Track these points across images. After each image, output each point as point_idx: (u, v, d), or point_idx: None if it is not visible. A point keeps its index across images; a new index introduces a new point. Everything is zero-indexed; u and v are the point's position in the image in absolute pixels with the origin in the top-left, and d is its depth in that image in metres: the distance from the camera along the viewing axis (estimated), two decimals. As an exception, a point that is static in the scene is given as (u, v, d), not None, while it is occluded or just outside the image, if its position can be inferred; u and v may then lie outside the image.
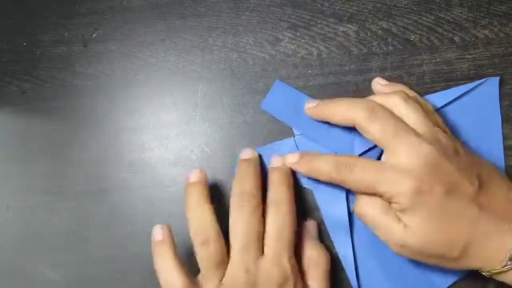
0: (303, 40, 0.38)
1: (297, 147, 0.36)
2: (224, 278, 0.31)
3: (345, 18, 0.38)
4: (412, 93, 0.34)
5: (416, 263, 0.34)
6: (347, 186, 0.32)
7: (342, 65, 0.38)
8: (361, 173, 0.30)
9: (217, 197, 0.37)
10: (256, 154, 0.35)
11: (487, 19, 0.37)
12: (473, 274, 0.33)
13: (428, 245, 0.29)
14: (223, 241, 0.32)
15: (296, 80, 0.38)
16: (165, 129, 0.38)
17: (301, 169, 0.34)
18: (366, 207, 0.32)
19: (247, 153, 0.35)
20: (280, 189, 0.33)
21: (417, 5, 0.38)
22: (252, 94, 0.38)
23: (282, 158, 0.35)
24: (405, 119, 0.31)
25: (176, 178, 0.38)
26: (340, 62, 0.38)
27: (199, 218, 0.32)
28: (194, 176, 0.34)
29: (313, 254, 0.33)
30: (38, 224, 0.38)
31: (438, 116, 0.33)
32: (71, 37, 0.40)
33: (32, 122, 0.39)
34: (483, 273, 0.30)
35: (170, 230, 0.33)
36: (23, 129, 0.39)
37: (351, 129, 0.33)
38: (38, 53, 0.40)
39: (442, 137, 0.30)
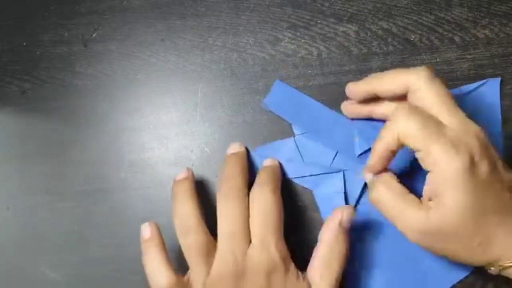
0: (303, 40, 0.38)
1: (297, 147, 0.36)
2: (212, 269, 0.31)
3: (345, 18, 0.38)
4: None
5: (414, 264, 0.34)
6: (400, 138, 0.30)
7: (342, 65, 0.38)
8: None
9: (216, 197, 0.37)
10: (243, 148, 0.36)
11: (487, 19, 0.37)
12: (471, 276, 0.33)
13: (455, 227, 0.28)
14: (206, 232, 0.32)
15: (296, 80, 0.38)
16: (165, 129, 0.38)
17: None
18: (382, 192, 0.31)
19: (235, 147, 0.36)
20: (265, 175, 0.33)
21: (417, 5, 0.38)
22: (252, 94, 0.38)
23: (274, 160, 0.36)
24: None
25: (176, 178, 0.38)
26: (340, 62, 0.38)
27: (182, 213, 0.32)
28: (181, 175, 0.34)
29: (325, 254, 0.32)
30: (38, 224, 0.38)
31: None
32: (71, 37, 0.40)
33: (32, 122, 0.39)
34: (491, 270, 0.30)
35: (158, 228, 0.33)
36: (23, 129, 0.39)
37: (352, 128, 0.33)
38: (38, 53, 0.40)
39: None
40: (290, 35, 0.38)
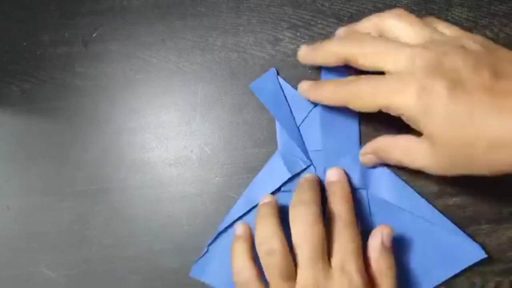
0: (303, 40, 0.38)
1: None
2: None
3: (345, 18, 0.38)
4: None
5: (407, 260, 0.34)
6: (351, 106, 0.31)
7: (342, 65, 0.38)
8: (364, 84, 0.30)
9: (217, 197, 0.37)
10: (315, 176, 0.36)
11: (487, 19, 0.37)
12: (471, 276, 0.33)
13: (451, 149, 0.28)
14: (289, 253, 0.31)
15: (296, 80, 0.38)
16: (165, 129, 0.38)
17: (309, 95, 0.34)
18: (378, 140, 0.32)
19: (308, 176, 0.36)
20: (340, 202, 0.33)
21: (417, 5, 0.38)
22: (252, 94, 0.38)
23: (341, 171, 0.35)
24: (399, 37, 0.31)
25: (176, 178, 0.38)
26: (340, 62, 0.38)
27: (266, 228, 0.32)
28: (265, 199, 0.35)
29: (382, 265, 0.32)
30: (38, 224, 0.38)
31: (448, 25, 0.32)
32: (71, 37, 0.40)
33: (32, 122, 0.39)
34: None
35: (249, 228, 0.34)
36: (23, 129, 0.39)
37: (322, 123, 0.35)
38: (38, 53, 0.40)
39: (439, 37, 0.30)
40: (290, 35, 0.38)
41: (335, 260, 0.31)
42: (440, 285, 0.35)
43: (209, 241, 0.36)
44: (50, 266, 0.37)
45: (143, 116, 0.39)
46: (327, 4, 0.39)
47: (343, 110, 0.35)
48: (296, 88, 0.37)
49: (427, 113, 0.28)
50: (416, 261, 0.35)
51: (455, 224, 0.35)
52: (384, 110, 0.30)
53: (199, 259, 0.36)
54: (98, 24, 0.40)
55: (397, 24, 0.31)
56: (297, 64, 0.38)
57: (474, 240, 0.35)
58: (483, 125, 0.27)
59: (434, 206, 0.36)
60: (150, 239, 0.37)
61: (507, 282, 0.35)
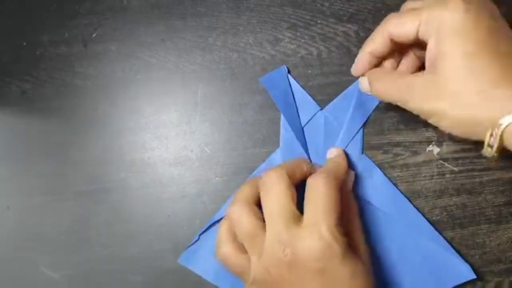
0: (303, 40, 0.38)
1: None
2: (263, 254, 0.30)
3: (345, 18, 0.38)
4: None
5: (397, 271, 0.34)
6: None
7: (342, 65, 0.38)
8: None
9: (217, 197, 0.37)
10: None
11: (487, 19, 0.37)
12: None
13: (452, 74, 0.28)
14: (254, 215, 0.31)
15: (296, 80, 0.38)
16: (165, 129, 0.38)
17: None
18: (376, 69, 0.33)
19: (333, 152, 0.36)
20: (326, 167, 0.33)
21: (417, 5, 0.38)
22: (252, 94, 0.38)
23: (338, 149, 0.35)
24: None
25: (176, 178, 0.38)
26: (340, 62, 0.38)
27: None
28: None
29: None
30: (38, 224, 0.38)
31: None
32: (71, 37, 0.40)
33: (32, 122, 0.39)
34: (491, 140, 0.28)
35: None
36: (23, 129, 0.39)
37: (327, 128, 0.36)
38: (38, 53, 0.40)
39: None
40: (290, 35, 0.38)
41: (305, 216, 0.30)
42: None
43: (201, 231, 0.36)
44: (50, 266, 0.37)
45: (143, 116, 0.39)
46: (327, 4, 0.39)
47: (349, 117, 0.35)
48: (304, 88, 0.37)
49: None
50: (406, 273, 0.35)
51: (455, 224, 0.36)
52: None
53: (188, 247, 0.36)
54: (98, 24, 0.40)
55: None
56: (297, 64, 0.38)
57: (474, 241, 0.35)
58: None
59: (434, 206, 0.36)
60: (150, 239, 0.37)
61: (507, 282, 0.35)
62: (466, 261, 0.34)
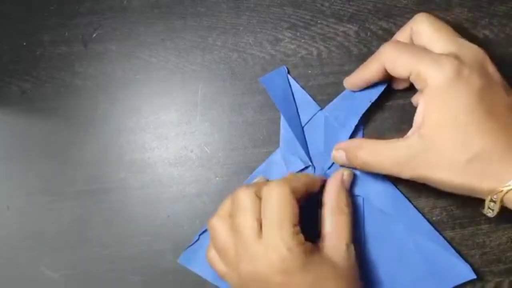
0: (303, 40, 0.38)
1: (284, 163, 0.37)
2: (236, 268, 0.30)
3: (345, 18, 0.38)
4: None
5: (397, 271, 0.34)
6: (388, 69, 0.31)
7: (342, 65, 0.38)
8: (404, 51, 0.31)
9: (216, 197, 0.37)
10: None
11: (487, 19, 0.37)
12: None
13: (439, 140, 0.28)
14: (229, 229, 0.31)
15: (296, 80, 0.38)
16: (165, 129, 0.38)
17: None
18: (352, 140, 0.34)
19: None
20: (291, 176, 0.33)
21: (417, 5, 0.38)
22: (252, 94, 0.38)
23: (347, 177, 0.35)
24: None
25: (176, 178, 0.38)
26: (340, 62, 0.38)
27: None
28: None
29: (339, 202, 0.32)
30: (38, 224, 0.38)
31: None
32: (71, 37, 0.40)
33: (32, 122, 0.39)
34: (491, 204, 0.28)
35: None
36: (23, 129, 0.39)
37: (327, 128, 0.36)
38: (38, 53, 0.40)
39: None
40: (290, 35, 0.38)
41: (262, 230, 0.29)
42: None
43: (201, 231, 0.36)
44: (50, 266, 0.37)
45: (143, 116, 0.39)
46: (327, 4, 0.39)
47: (348, 116, 0.35)
48: (304, 88, 0.37)
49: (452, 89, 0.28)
50: (405, 273, 0.34)
51: (455, 224, 0.36)
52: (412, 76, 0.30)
53: (188, 247, 0.36)
54: (98, 24, 0.40)
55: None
56: (297, 64, 0.38)
57: (474, 241, 0.35)
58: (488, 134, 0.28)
59: (434, 206, 0.36)
60: (150, 239, 0.37)
61: (507, 282, 0.35)
62: (466, 261, 0.34)
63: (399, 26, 0.38)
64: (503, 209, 0.29)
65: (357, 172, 0.36)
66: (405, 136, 0.30)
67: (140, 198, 0.38)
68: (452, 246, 0.35)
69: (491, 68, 0.29)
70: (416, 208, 0.35)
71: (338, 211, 0.32)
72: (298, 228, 0.29)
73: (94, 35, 0.40)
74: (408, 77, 0.30)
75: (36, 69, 0.40)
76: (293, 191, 0.30)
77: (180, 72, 0.39)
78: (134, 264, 0.37)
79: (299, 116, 0.37)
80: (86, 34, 0.40)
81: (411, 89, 0.34)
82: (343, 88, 0.37)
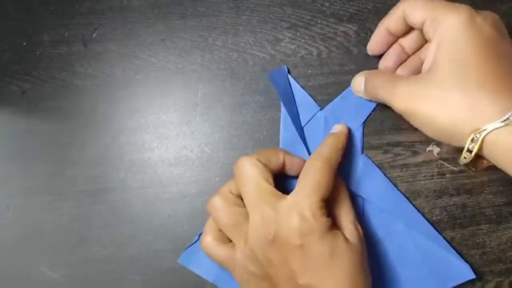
0: (303, 40, 0.38)
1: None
2: (248, 238, 0.31)
3: (345, 18, 0.38)
4: None
5: (397, 270, 0.34)
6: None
7: (342, 65, 0.38)
8: None
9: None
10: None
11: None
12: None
13: (446, 79, 0.28)
14: (234, 204, 0.32)
15: (296, 80, 0.38)
16: (165, 129, 0.38)
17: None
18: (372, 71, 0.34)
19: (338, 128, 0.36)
20: (323, 146, 0.33)
21: (417, 5, 0.38)
22: (252, 94, 0.38)
23: (342, 126, 0.36)
24: None
25: (176, 178, 0.38)
26: (340, 62, 0.38)
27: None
28: None
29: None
30: (38, 224, 0.38)
31: None
32: (71, 37, 0.40)
33: (32, 122, 0.39)
34: (470, 146, 0.28)
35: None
36: (23, 129, 0.39)
37: (327, 128, 0.36)
38: (38, 53, 0.40)
39: None
40: (290, 35, 0.38)
41: (292, 195, 0.31)
42: None
43: (201, 231, 0.36)
44: (50, 266, 0.37)
45: (143, 116, 0.39)
46: (327, 4, 0.39)
47: (349, 117, 0.35)
48: (304, 88, 0.37)
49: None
50: (405, 273, 0.35)
51: (455, 224, 0.36)
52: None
53: (188, 247, 0.36)
54: (98, 24, 0.40)
55: None
56: (297, 64, 0.38)
57: (474, 241, 0.35)
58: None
59: (434, 206, 0.36)
60: (150, 239, 0.37)
61: (507, 282, 0.35)
62: (466, 261, 0.34)
63: (399, 26, 0.38)
64: (477, 163, 0.29)
65: (358, 173, 0.36)
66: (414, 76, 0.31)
67: (140, 198, 0.38)
68: (452, 246, 0.35)
69: (503, 29, 0.30)
70: (416, 208, 0.35)
71: (341, 191, 0.33)
72: (324, 202, 0.30)
73: (94, 35, 0.40)
74: (421, 27, 0.31)
75: (36, 69, 0.40)
76: (331, 169, 0.31)
77: (180, 72, 0.39)
78: (134, 264, 0.37)
79: (299, 116, 0.37)
80: (86, 34, 0.40)
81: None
82: (343, 88, 0.37)
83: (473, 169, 0.30)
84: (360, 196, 0.35)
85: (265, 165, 0.32)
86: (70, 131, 0.39)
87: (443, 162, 0.36)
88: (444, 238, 0.35)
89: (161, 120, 0.38)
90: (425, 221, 0.35)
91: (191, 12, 0.39)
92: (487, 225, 0.36)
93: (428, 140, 0.36)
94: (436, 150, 0.36)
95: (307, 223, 0.29)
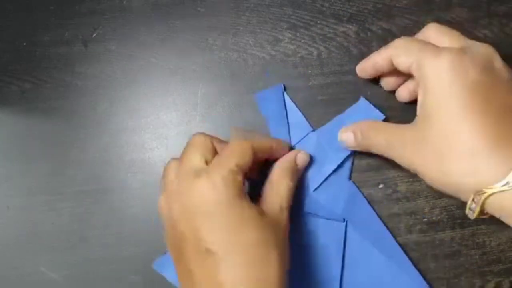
0: (303, 40, 0.38)
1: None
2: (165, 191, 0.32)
3: (345, 18, 0.38)
4: None
5: (397, 278, 0.35)
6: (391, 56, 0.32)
7: (342, 65, 0.38)
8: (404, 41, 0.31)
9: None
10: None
11: (487, 19, 0.37)
12: (471, 276, 0.33)
13: (435, 127, 0.28)
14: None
15: (296, 80, 0.38)
16: (165, 129, 0.38)
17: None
18: (363, 122, 0.34)
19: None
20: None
21: (417, 5, 0.38)
22: (252, 94, 0.38)
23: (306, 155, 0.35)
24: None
25: (176, 178, 0.38)
26: (340, 62, 0.38)
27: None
28: None
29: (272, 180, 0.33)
30: (38, 224, 0.38)
31: None
32: (71, 37, 0.40)
33: (32, 122, 0.39)
34: (474, 202, 0.27)
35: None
36: (23, 129, 0.39)
37: (317, 150, 0.36)
38: (38, 53, 0.40)
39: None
40: (290, 35, 0.38)
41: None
42: (438, 284, 0.35)
43: None
44: (50, 266, 0.37)
45: (143, 116, 0.39)
46: (327, 5, 0.39)
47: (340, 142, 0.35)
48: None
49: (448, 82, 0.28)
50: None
51: (455, 224, 0.36)
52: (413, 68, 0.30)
53: (164, 254, 0.36)
54: (98, 24, 0.40)
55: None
56: (297, 64, 0.38)
57: (474, 241, 0.35)
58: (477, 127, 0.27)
59: (434, 206, 0.36)
60: (150, 239, 0.37)
61: (507, 282, 0.35)
62: (466, 261, 0.34)
63: (399, 26, 0.38)
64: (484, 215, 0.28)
65: (344, 197, 0.36)
66: (412, 123, 0.31)
67: (140, 198, 0.38)
68: (452, 246, 0.35)
69: (498, 64, 0.29)
70: (397, 242, 0.35)
71: (282, 176, 0.33)
72: (242, 177, 0.30)
73: (94, 35, 0.40)
74: (409, 70, 0.30)
75: (36, 69, 0.40)
76: (255, 149, 0.31)
77: (180, 72, 0.39)
78: (134, 264, 0.37)
79: (290, 135, 0.37)
80: (86, 34, 0.40)
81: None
82: (343, 88, 0.37)
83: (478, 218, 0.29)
84: (343, 222, 0.35)
85: (211, 143, 0.32)
86: (70, 131, 0.39)
87: (443, 162, 0.36)
88: (422, 272, 0.35)
89: (161, 120, 0.38)
90: (403, 254, 0.35)
91: (191, 12, 0.39)
92: (487, 225, 0.36)
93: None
94: (436, 150, 0.36)
95: (214, 189, 0.29)
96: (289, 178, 0.33)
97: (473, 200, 0.27)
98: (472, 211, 0.28)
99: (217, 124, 0.38)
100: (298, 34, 0.38)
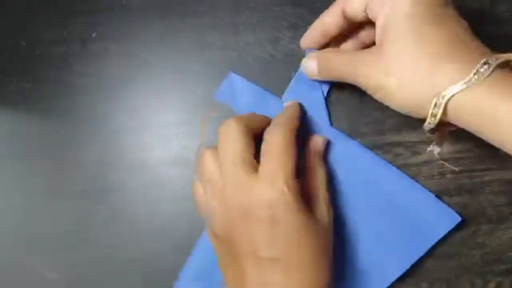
0: (303, 40, 0.38)
1: None
2: (224, 199, 0.30)
3: (346, 17, 0.38)
4: None
5: (382, 236, 0.34)
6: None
7: (342, 65, 0.38)
8: None
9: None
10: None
11: (487, 19, 0.37)
12: (471, 276, 0.33)
13: (400, 49, 0.28)
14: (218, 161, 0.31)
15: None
16: (165, 129, 0.38)
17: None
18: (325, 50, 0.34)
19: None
20: (281, 117, 0.33)
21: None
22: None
23: (295, 102, 0.36)
24: None
25: (176, 178, 0.38)
26: (340, 62, 0.38)
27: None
28: None
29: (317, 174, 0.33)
30: (38, 224, 0.38)
31: None
32: (70, 36, 0.40)
33: (32, 121, 0.39)
34: (433, 110, 0.28)
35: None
36: (22, 128, 0.39)
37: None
38: (37, 53, 0.40)
39: None
40: (290, 34, 0.38)
41: (262, 167, 0.30)
42: (438, 284, 0.35)
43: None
44: (50, 266, 0.37)
45: (142, 116, 0.38)
46: (327, 4, 0.38)
47: (309, 96, 0.35)
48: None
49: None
50: (392, 236, 0.34)
51: (455, 226, 0.36)
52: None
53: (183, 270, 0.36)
54: (97, 23, 0.40)
55: None
56: (297, 64, 0.38)
57: (474, 241, 0.35)
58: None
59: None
60: (150, 239, 0.37)
61: (507, 282, 0.35)
62: (465, 258, 0.34)
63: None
64: (442, 128, 0.29)
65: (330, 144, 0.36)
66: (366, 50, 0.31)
67: (140, 198, 0.38)
68: (452, 244, 0.35)
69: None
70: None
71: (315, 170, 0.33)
72: (295, 173, 0.30)
73: (93, 34, 0.39)
74: (366, 14, 0.30)
75: (35, 69, 0.40)
76: (292, 136, 0.31)
77: (180, 72, 0.39)
78: (134, 264, 0.37)
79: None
80: (85, 34, 0.40)
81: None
82: (343, 88, 0.37)
83: (438, 134, 0.30)
84: (335, 168, 0.35)
85: (250, 130, 0.31)
86: (70, 131, 0.39)
87: (444, 162, 0.36)
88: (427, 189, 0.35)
89: (161, 120, 0.38)
90: (403, 174, 0.35)
91: (191, 11, 0.39)
92: (487, 225, 0.36)
93: (429, 140, 0.36)
94: (436, 150, 0.36)
95: (281, 195, 0.29)
96: (321, 169, 0.34)
97: (435, 105, 0.27)
98: (434, 118, 0.28)
99: (217, 124, 0.38)
100: (298, 33, 0.38)
